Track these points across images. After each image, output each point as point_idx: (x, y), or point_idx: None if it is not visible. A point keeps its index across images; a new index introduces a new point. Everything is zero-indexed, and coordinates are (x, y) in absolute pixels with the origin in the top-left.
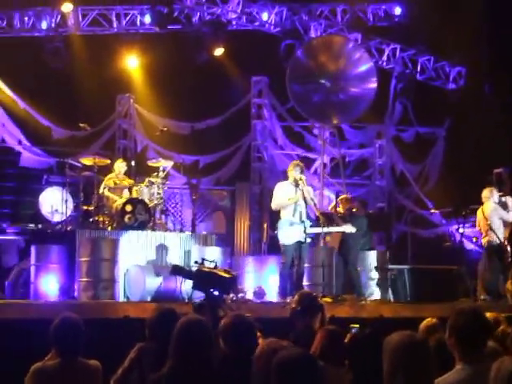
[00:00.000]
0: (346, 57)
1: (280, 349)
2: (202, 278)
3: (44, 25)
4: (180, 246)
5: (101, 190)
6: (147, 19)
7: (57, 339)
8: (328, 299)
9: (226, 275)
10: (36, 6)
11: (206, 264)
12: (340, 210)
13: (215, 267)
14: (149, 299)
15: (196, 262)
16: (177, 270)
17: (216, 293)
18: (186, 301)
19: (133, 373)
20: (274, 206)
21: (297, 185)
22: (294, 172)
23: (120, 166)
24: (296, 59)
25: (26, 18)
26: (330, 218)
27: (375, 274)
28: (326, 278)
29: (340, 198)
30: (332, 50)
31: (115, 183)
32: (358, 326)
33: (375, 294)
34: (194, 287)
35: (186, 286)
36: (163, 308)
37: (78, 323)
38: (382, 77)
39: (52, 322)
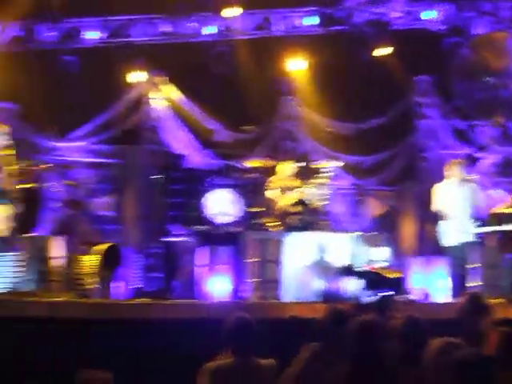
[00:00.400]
0: (509, 53)
1: (453, 348)
2: (371, 279)
3: (209, 30)
4: (346, 247)
5: (268, 192)
6: (310, 21)
7: (230, 338)
8: (501, 300)
9: (394, 276)
10: (201, 11)
11: (375, 265)
12: None
13: (383, 268)
14: (315, 299)
15: (364, 263)
16: (346, 271)
17: (385, 293)
18: (353, 301)
19: (305, 372)
20: (436, 207)
21: (460, 183)
22: (456, 170)
23: (287, 167)
24: (460, 56)
25: (192, 25)
26: (499, 217)
27: None
28: (494, 278)
29: None
30: (495, 46)
31: (282, 185)
32: None
33: None
34: (363, 288)
35: (353, 286)
36: (334, 308)
37: (250, 322)
38: None
39: (222, 321)
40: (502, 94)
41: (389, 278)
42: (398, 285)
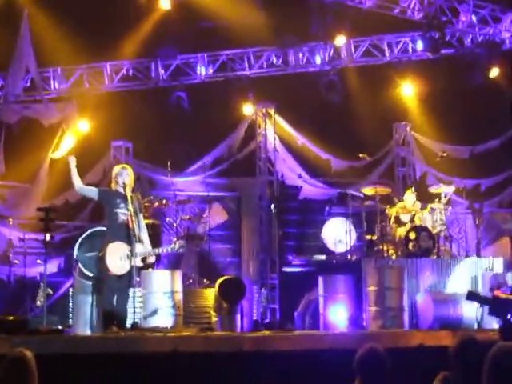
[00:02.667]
0: None
1: None
2: (499, 304)
3: (318, 59)
4: (466, 272)
5: (389, 220)
6: (419, 46)
7: (362, 369)
8: None
9: None
10: (309, 41)
11: (501, 290)
12: None
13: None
14: (438, 327)
15: (490, 289)
16: (472, 296)
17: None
18: (476, 327)
19: None
20: None
21: None
22: None
23: (410, 195)
24: None
25: (301, 55)
26: None
27: None
28: None
29: None
30: None
31: (399, 211)
32: None
33: None
34: (490, 313)
35: (476, 311)
36: (465, 335)
37: (382, 353)
38: None
39: (345, 352)
40: None
41: None
42: None
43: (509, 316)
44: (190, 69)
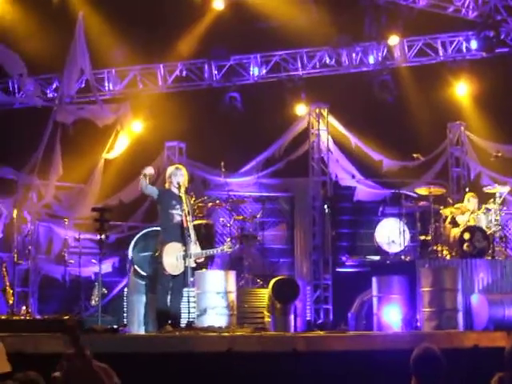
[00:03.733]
0: None
1: None
2: None
3: (371, 59)
4: None
5: (443, 220)
6: (473, 45)
7: (419, 370)
8: None
9: None
10: (363, 41)
11: None
12: None
13: None
14: (492, 328)
15: None
16: None
17: None
18: None
19: None
20: None
21: None
22: None
23: (471, 200)
24: None
25: (354, 55)
26: None
27: None
28: None
29: None
30: None
31: (454, 212)
32: None
33: None
34: None
35: None
36: None
37: (438, 354)
38: None
39: (398, 353)
40: None
41: None
42: None
43: None
44: (242, 69)
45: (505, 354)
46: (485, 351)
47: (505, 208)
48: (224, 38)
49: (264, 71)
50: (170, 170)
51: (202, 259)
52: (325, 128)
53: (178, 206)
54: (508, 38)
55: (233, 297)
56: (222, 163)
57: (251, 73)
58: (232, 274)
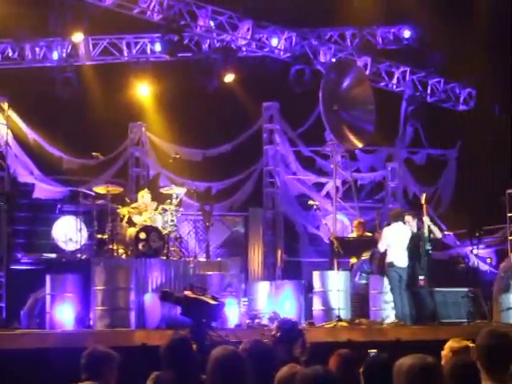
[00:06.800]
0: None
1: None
2: (190, 305)
3: (55, 55)
4: (194, 273)
5: (121, 220)
6: (157, 47)
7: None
8: (344, 323)
9: (213, 302)
10: (47, 36)
11: (195, 290)
12: (354, 234)
13: (203, 294)
14: (165, 326)
15: (185, 288)
16: (165, 296)
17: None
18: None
19: None
20: None
21: None
22: None
23: (145, 195)
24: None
25: (38, 49)
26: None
27: (390, 297)
28: (340, 302)
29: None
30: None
31: (131, 211)
32: (375, 350)
33: (391, 316)
34: (182, 313)
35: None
36: (176, 335)
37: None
38: (392, 100)
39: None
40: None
41: (209, 304)
42: (218, 311)
43: (199, 317)
44: None
45: (160, 352)
46: (153, 349)
47: (181, 209)
48: None
49: None
50: None
51: None
52: (4, 122)
53: None
54: (191, 42)
55: None
56: None
57: None
58: None
